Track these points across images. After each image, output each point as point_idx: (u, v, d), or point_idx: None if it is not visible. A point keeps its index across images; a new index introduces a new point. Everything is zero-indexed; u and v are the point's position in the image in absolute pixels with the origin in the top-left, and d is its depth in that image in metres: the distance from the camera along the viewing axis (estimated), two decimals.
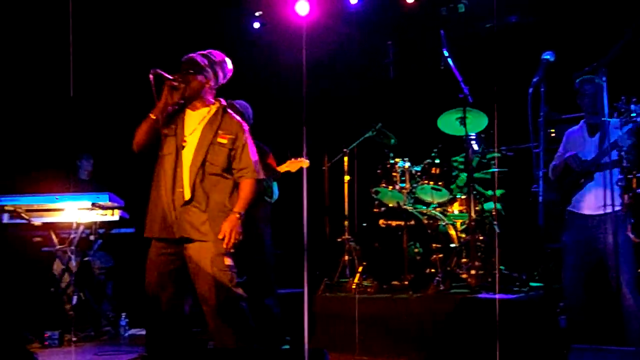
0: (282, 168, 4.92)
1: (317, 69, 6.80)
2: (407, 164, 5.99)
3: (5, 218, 5.89)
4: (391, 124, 6.36)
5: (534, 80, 3.60)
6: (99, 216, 5.96)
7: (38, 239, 6.20)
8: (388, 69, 6.18)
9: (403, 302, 5.13)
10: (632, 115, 3.81)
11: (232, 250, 3.74)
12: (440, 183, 5.85)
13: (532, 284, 5.47)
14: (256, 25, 8.02)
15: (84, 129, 7.23)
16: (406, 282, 5.42)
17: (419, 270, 5.52)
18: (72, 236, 5.99)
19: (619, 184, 3.94)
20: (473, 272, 5.22)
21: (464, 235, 5.75)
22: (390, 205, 6.04)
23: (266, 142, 5.54)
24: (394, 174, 5.97)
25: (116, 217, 6.00)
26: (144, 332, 6.40)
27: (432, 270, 5.49)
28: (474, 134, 5.64)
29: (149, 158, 7.63)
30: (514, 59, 5.95)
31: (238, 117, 3.98)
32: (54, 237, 6.07)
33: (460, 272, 5.49)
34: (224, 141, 3.82)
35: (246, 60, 7.87)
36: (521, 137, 5.69)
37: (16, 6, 6.57)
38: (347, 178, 6.29)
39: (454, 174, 5.93)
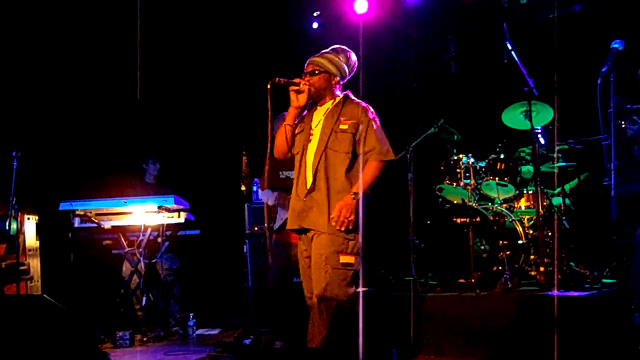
0: None
1: (377, 67, 6.75)
2: (471, 160, 5.90)
3: (77, 222, 6.07)
4: (454, 119, 6.26)
5: (603, 70, 3.48)
6: (166, 219, 6.07)
7: (108, 241, 6.36)
8: (449, 64, 6.08)
9: (470, 300, 5.04)
10: None
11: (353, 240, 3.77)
12: (505, 178, 5.74)
13: (604, 280, 5.30)
14: (315, 25, 8.03)
15: (150, 132, 7.39)
16: (473, 280, 5.32)
17: (485, 268, 5.42)
18: (140, 238, 6.11)
19: None
20: (542, 269, 5.08)
21: (531, 232, 5.61)
22: (455, 202, 5.96)
23: None
24: (458, 170, 5.89)
25: (182, 220, 6.10)
26: (212, 332, 6.49)
27: (499, 267, 5.39)
28: (540, 128, 5.49)
29: (215, 161, 7.76)
30: (580, 49, 5.79)
31: (363, 103, 4.01)
32: (122, 239, 6.20)
33: (529, 269, 5.38)
34: (345, 127, 3.87)
35: (305, 60, 7.92)
36: (589, 129, 5.52)
37: (86, 9, 6.75)
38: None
39: (520, 168, 5.79)
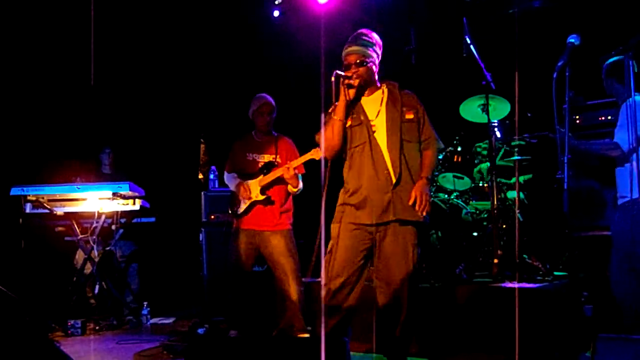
0: (307, 156, 4.89)
1: (337, 56, 6.74)
2: None
3: (28, 208, 5.94)
4: None
5: (559, 64, 3.52)
6: (120, 206, 5.98)
7: (61, 228, 6.24)
8: (410, 55, 6.09)
9: (425, 291, 5.08)
10: None
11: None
12: (462, 171, 5.79)
13: (556, 272, 5.40)
14: (276, 13, 7.97)
15: (105, 119, 7.27)
16: (426, 271, 5.37)
17: (440, 259, 5.46)
18: (94, 225, 6.02)
19: None
20: (495, 260, 5.16)
21: (486, 224, 5.68)
22: None
23: (289, 131, 5.51)
24: None
25: (137, 207, 6.02)
26: (166, 321, 6.44)
27: (454, 259, 5.44)
28: (496, 121, 5.55)
29: (172, 149, 7.67)
30: (537, 44, 5.86)
31: (411, 92, 4.05)
32: (76, 226, 6.10)
33: (483, 261, 5.44)
34: (411, 116, 3.91)
35: (266, 48, 7.87)
36: (546, 124, 5.60)
37: None
38: None
39: (476, 161, 5.86)
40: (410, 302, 3.80)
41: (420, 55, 6.09)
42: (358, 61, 3.83)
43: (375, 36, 3.97)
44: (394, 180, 3.78)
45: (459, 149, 5.85)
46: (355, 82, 3.80)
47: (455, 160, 5.80)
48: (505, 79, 5.37)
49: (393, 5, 7.24)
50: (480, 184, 5.94)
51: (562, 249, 5.61)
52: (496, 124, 5.55)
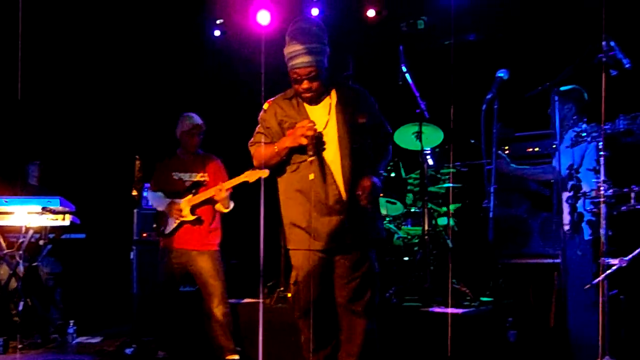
0: (241, 178, 4.90)
1: (277, 78, 6.78)
2: None
3: None
4: None
5: (487, 97, 3.65)
6: (49, 221, 5.83)
7: None
8: (348, 81, 6.20)
9: None
10: (582, 135, 3.88)
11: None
12: (395, 197, 5.89)
13: (482, 298, 5.53)
14: (217, 33, 7.99)
15: (34, 133, 7.11)
16: None
17: None
18: (20, 240, 5.85)
19: (569, 201, 4.01)
20: (425, 285, 5.26)
21: (417, 249, 5.79)
22: None
23: (223, 151, 5.52)
24: None
25: (67, 222, 5.88)
26: (93, 340, 6.30)
27: (386, 283, 5.51)
28: (429, 149, 5.69)
29: (105, 165, 7.52)
30: (471, 75, 6.04)
31: (358, 86, 3.76)
32: (1, 240, 5.92)
33: (413, 285, 5.53)
34: (364, 120, 3.58)
35: (206, 67, 7.86)
36: (477, 153, 5.77)
37: None
38: None
39: (409, 187, 5.98)
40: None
41: (357, 81, 6.20)
42: (313, 75, 3.46)
43: (320, 30, 3.57)
44: (345, 199, 3.48)
45: (392, 175, 5.96)
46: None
47: (388, 185, 5.89)
48: (440, 108, 5.52)
49: (332, 31, 7.34)
50: (412, 210, 6.05)
51: (489, 275, 5.76)
52: (429, 152, 5.68)
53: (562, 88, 4.47)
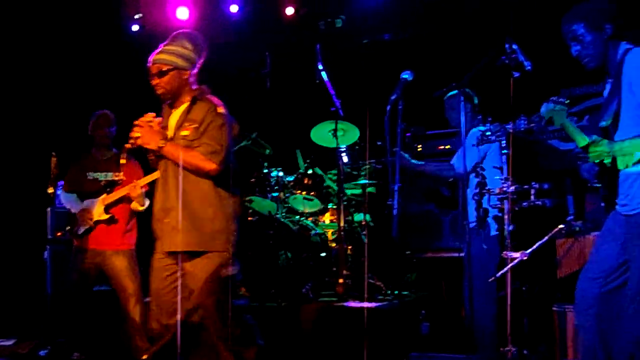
0: (154, 175, 4.86)
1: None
2: (281, 174, 6.08)
3: None
4: (266, 134, 6.42)
5: (392, 97, 3.76)
6: None
7: None
8: (265, 79, 6.22)
9: (272, 310, 5.18)
10: (487, 134, 4.03)
11: None
12: (312, 193, 5.97)
13: (397, 292, 5.66)
14: (135, 27, 7.87)
15: None
16: (276, 291, 5.48)
17: (289, 279, 5.59)
18: None
19: (475, 198, 4.16)
20: (341, 280, 5.35)
21: (334, 245, 5.88)
22: (264, 214, 6.10)
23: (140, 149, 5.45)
24: (268, 183, 6.04)
25: None
26: (5, 343, 6.12)
27: (302, 279, 5.58)
28: (344, 147, 5.78)
29: (17, 162, 7.29)
30: (387, 74, 6.17)
31: (215, 100, 3.66)
32: None
33: (329, 280, 5.63)
34: (186, 133, 3.55)
35: (123, 63, 7.72)
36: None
37: None
38: None
39: (325, 184, 6.06)
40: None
41: (274, 79, 6.24)
42: (157, 72, 3.57)
43: (192, 38, 3.66)
44: (172, 207, 3.55)
45: (310, 171, 6.03)
46: (136, 144, 3.56)
47: (305, 182, 5.97)
48: (356, 106, 5.62)
49: (250, 28, 7.37)
50: (329, 206, 6.14)
51: (403, 269, 5.91)
52: (344, 149, 5.77)
53: (450, 92, 4.68)
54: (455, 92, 4.62)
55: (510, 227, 3.88)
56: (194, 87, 3.68)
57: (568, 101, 3.31)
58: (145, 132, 3.54)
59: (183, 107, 3.65)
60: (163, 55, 3.58)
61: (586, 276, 3.34)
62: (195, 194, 3.55)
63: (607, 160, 3.21)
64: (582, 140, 3.25)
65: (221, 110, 3.62)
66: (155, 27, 7.60)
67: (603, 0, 3.27)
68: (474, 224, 4.40)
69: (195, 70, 3.66)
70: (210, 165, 3.49)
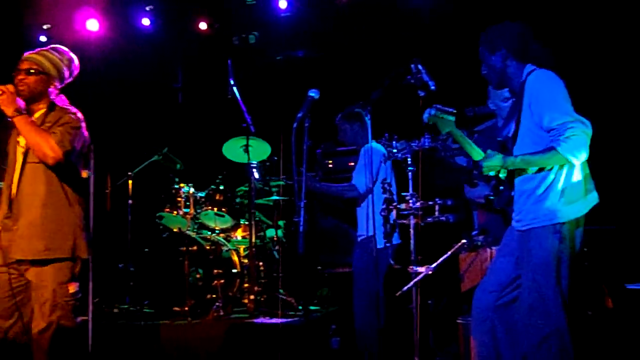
0: None
1: (105, 88, 6.63)
2: (192, 190, 6.01)
3: None
4: (178, 149, 6.35)
5: (299, 115, 3.80)
6: None
7: None
8: (177, 93, 6.16)
9: (183, 328, 5.11)
10: (393, 151, 4.12)
11: None
12: (223, 209, 5.94)
13: (309, 307, 5.69)
14: (43, 38, 7.65)
15: None
16: (186, 308, 5.41)
17: (200, 295, 5.53)
18: None
19: (382, 213, 4.24)
20: (252, 297, 5.34)
21: (246, 261, 5.85)
22: (174, 230, 6.02)
23: None
24: (179, 199, 5.97)
25: None
26: None
27: (213, 295, 5.54)
28: (255, 162, 5.77)
29: None
30: (299, 91, 6.21)
31: (73, 109, 3.61)
32: None
33: (241, 297, 5.60)
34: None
35: None
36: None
37: None
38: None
39: (237, 200, 6.04)
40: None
41: (187, 94, 6.20)
42: (26, 68, 3.51)
43: (70, 57, 3.67)
44: (19, 212, 3.46)
45: (221, 187, 6.00)
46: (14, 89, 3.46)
47: (217, 198, 5.93)
48: (269, 122, 5.63)
49: (162, 42, 7.30)
50: (241, 222, 6.12)
51: (314, 285, 5.95)
52: (255, 165, 5.77)
53: (347, 110, 4.83)
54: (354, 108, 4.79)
55: (411, 242, 3.99)
56: (53, 97, 3.62)
57: (455, 111, 3.43)
58: (5, 97, 3.43)
59: (40, 113, 3.57)
60: (40, 58, 3.56)
61: (482, 289, 3.45)
62: (45, 200, 3.48)
63: (503, 175, 3.35)
64: (477, 154, 3.38)
65: (79, 117, 3.60)
66: (63, 38, 7.41)
67: (505, 25, 3.42)
68: (362, 237, 4.60)
69: (60, 86, 3.65)
70: (56, 152, 3.40)
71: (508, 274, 3.36)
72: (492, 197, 3.48)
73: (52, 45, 3.69)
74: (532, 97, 3.24)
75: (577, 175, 3.20)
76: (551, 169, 3.19)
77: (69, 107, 3.64)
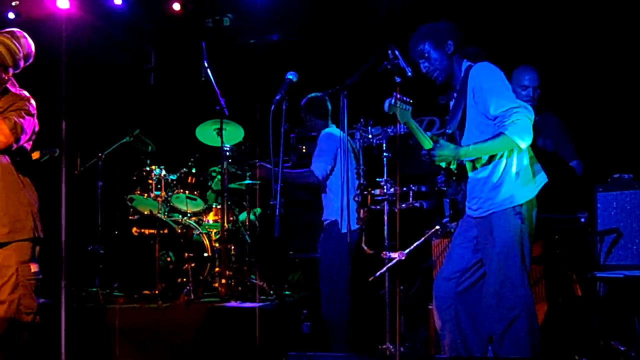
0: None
1: (75, 67, 6.48)
2: (163, 172, 5.95)
3: None
4: (149, 130, 6.27)
5: (276, 98, 3.77)
6: None
7: None
8: (149, 74, 6.06)
9: (153, 312, 5.06)
10: (369, 136, 4.13)
11: None
12: (195, 192, 5.90)
13: (282, 292, 5.67)
14: (11, 15, 7.47)
15: None
16: (157, 292, 5.37)
17: (170, 279, 5.50)
18: None
19: (356, 199, 4.24)
20: (223, 281, 5.31)
21: (217, 245, 5.82)
22: (145, 213, 5.96)
23: None
24: (150, 181, 5.91)
25: None
26: None
27: (184, 279, 5.50)
28: (229, 146, 5.72)
29: None
30: (273, 74, 6.17)
31: (25, 93, 3.65)
32: None
33: (212, 281, 5.57)
34: None
35: None
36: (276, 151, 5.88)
37: None
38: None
39: (209, 183, 5.99)
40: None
41: (159, 75, 6.11)
42: None
43: (26, 43, 3.66)
44: None
45: (194, 170, 5.95)
46: None
47: (189, 181, 5.88)
48: (243, 106, 5.59)
49: (135, 22, 7.18)
50: (213, 206, 6.08)
51: (286, 269, 5.94)
52: (229, 148, 5.72)
53: (307, 97, 4.85)
54: (315, 95, 4.93)
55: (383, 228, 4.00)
56: (6, 83, 3.65)
57: (411, 101, 3.47)
58: None
59: None
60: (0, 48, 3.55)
61: (441, 277, 3.57)
62: (1, 184, 3.56)
63: (453, 166, 3.45)
64: (428, 143, 3.44)
65: (31, 103, 3.65)
66: (32, 16, 7.26)
67: (443, 21, 3.57)
68: (327, 221, 4.70)
69: (15, 72, 3.66)
70: (7, 137, 3.48)
71: (467, 260, 3.50)
72: (444, 188, 3.59)
73: (9, 29, 3.65)
74: (476, 88, 3.38)
75: (525, 159, 3.37)
76: (502, 155, 3.34)
77: (21, 92, 3.66)
